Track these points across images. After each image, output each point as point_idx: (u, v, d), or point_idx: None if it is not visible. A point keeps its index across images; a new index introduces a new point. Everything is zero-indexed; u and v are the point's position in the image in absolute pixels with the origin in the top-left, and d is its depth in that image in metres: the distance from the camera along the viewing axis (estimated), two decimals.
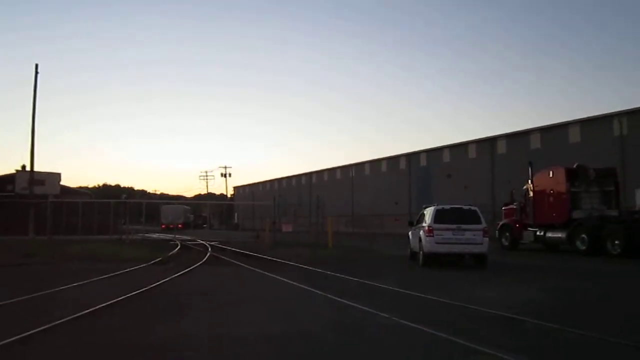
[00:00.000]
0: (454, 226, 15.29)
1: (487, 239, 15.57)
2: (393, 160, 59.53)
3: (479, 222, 15.50)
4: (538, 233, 22.96)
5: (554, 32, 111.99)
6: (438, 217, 15.59)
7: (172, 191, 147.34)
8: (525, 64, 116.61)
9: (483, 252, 15.46)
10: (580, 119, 39.22)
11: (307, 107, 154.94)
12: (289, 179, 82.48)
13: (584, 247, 20.46)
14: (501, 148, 45.34)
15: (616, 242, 19.27)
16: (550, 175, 23.26)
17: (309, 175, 76.10)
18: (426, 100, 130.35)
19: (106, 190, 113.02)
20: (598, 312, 8.76)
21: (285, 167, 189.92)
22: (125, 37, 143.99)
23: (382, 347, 6.12)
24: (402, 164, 57.72)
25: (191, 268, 15.06)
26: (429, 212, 16.21)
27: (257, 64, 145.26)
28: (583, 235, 20.65)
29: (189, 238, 35.61)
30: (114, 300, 8.65)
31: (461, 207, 16.44)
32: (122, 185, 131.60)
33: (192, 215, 79.55)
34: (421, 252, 16.05)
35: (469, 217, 15.61)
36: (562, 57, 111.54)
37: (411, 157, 56.49)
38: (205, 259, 18.42)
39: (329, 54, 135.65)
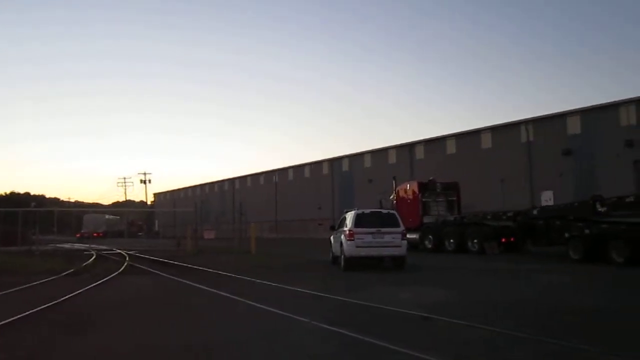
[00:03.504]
0: (373, 230, 15.64)
1: (405, 241, 16.06)
2: (316, 165, 60.13)
3: (398, 226, 15.95)
4: None
5: (465, 41, 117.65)
6: (358, 221, 15.89)
7: (88, 199, 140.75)
8: (440, 72, 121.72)
9: (402, 254, 15.92)
10: (491, 125, 41.46)
11: (228, 112, 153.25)
12: (211, 184, 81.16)
13: (430, 246, 25.20)
14: (419, 153, 47.00)
15: (451, 240, 24.22)
16: (408, 187, 27.91)
17: (232, 181, 75.27)
18: (346, 107, 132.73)
19: (14, 199, 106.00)
20: (502, 307, 9.28)
21: (207, 173, 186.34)
22: (26, 30, 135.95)
23: (301, 351, 6.17)
24: (325, 169, 58.42)
25: (106, 279, 14.46)
26: (349, 217, 16.49)
27: (175, 66, 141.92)
28: (430, 236, 25.45)
29: (105, 247, 34.16)
30: (20, 316, 8.15)
31: (380, 211, 16.80)
32: (32, 194, 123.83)
33: (117, 224, 77.17)
34: (342, 256, 16.27)
35: (388, 221, 16.03)
36: (474, 66, 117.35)
37: (334, 163, 57.31)
38: (121, 269, 17.73)
39: (251, 55, 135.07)
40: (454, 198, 27.23)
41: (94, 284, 12.99)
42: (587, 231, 17.68)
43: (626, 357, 5.64)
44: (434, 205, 26.92)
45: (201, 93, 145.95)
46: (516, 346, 6.19)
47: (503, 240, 22.59)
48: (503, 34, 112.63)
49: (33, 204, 48.88)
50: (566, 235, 18.49)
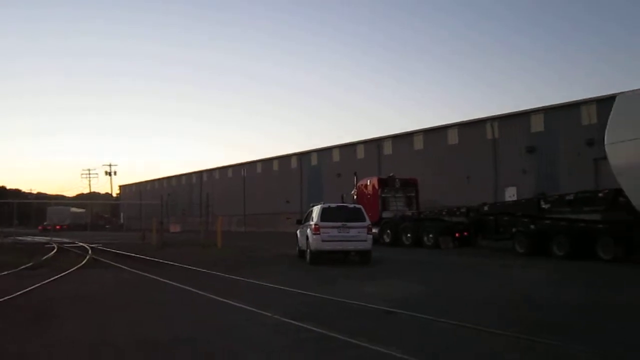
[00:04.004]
0: (339, 224, 15.68)
1: (370, 236, 16.15)
2: (285, 159, 59.90)
3: (363, 220, 16.03)
4: None
5: (434, 39, 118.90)
6: (324, 215, 15.90)
7: (50, 190, 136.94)
8: (409, 69, 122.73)
9: (367, 248, 16.01)
10: (458, 122, 41.90)
11: (196, 105, 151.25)
12: (178, 177, 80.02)
13: (388, 240, 25.71)
14: (387, 149, 47.27)
15: (408, 235, 24.89)
16: (368, 183, 28.45)
17: (199, 174, 74.38)
18: (315, 101, 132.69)
19: None
20: (464, 301, 9.43)
21: (175, 166, 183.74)
22: None
23: (259, 346, 6.14)
24: (294, 163, 58.26)
25: (66, 273, 14.12)
26: (315, 211, 16.50)
27: (142, 60, 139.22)
28: (388, 231, 25.99)
29: (68, 240, 33.37)
30: None
31: (346, 206, 16.83)
32: None
33: (82, 216, 75.76)
34: (308, 250, 16.29)
35: (354, 215, 16.09)
36: (442, 64, 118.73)
37: (302, 157, 57.19)
38: (83, 263, 17.36)
39: (220, 50, 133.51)
40: (413, 194, 28.26)
41: (52, 278, 12.66)
42: (532, 227, 18.72)
43: (578, 347, 5.79)
44: (393, 201, 27.79)
45: (169, 86, 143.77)
46: (476, 339, 6.30)
47: (457, 235, 23.52)
48: (470, 34, 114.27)
49: None
50: (513, 230, 19.48)
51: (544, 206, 18.70)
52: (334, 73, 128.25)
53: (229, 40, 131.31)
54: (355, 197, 28.44)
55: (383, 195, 27.46)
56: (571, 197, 18.12)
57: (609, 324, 7.26)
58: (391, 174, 29.15)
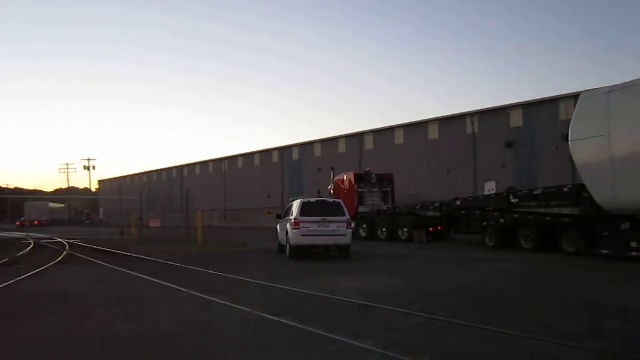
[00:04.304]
0: (319, 218, 15.71)
1: (350, 230, 16.21)
2: (266, 153, 59.72)
3: (343, 214, 16.08)
4: None
5: (413, 34, 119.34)
6: (304, 209, 15.92)
7: (27, 185, 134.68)
8: (386, 64, 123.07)
9: (347, 243, 16.08)
10: (438, 117, 42.18)
11: (177, 99, 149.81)
12: (159, 172, 79.25)
13: (364, 234, 26.03)
14: (368, 143, 47.41)
15: (383, 229, 25.51)
16: (345, 178, 28.85)
17: (180, 168, 73.78)
18: (298, 95, 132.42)
19: None
20: (438, 294, 9.54)
21: (155, 160, 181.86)
22: None
23: (238, 341, 6.14)
24: (275, 158, 58.11)
25: (42, 268, 13.93)
26: (295, 205, 16.50)
27: (123, 51, 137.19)
28: (364, 225, 26.33)
29: (45, 236, 32.90)
30: None
31: (326, 200, 16.87)
32: None
33: (61, 212, 74.90)
34: (288, 245, 16.30)
35: (334, 210, 16.13)
36: (422, 59, 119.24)
37: (284, 151, 57.08)
38: (60, 258, 17.13)
39: (202, 41, 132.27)
40: (388, 189, 28.64)
41: (27, 275, 12.48)
42: (501, 220, 19.40)
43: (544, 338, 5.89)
44: (369, 196, 28.18)
45: (148, 79, 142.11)
46: (449, 332, 6.38)
47: (430, 229, 24.18)
48: (449, 28, 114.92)
49: None
50: (484, 224, 20.15)
51: (513, 200, 19.13)
52: (315, 68, 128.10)
53: (210, 30, 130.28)
54: (332, 191, 28.63)
55: (359, 190, 27.83)
56: (539, 191, 18.65)
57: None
58: (367, 169, 29.52)
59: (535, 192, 18.81)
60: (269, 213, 51.79)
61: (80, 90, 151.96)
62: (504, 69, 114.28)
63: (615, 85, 14.90)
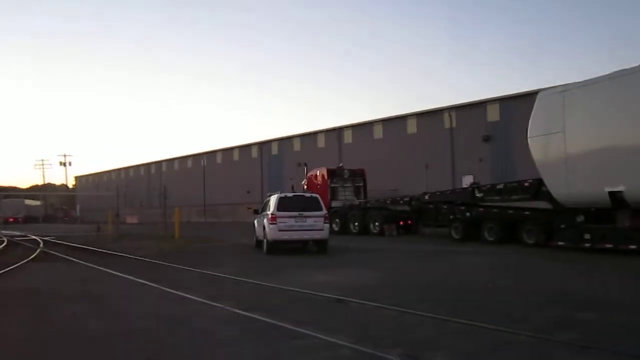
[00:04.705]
0: (296, 213, 15.66)
1: (327, 225, 16.19)
2: (245, 148, 59.45)
3: (320, 209, 16.05)
4: None
5: (391, 29, 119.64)
6: (281, 204, 15.85)
7: (2, 182, 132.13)
8: (364, 58, 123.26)
9: (324, 237, 16.05)
10: (417, 112, 42.41)
11: (154, 94, 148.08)
12: (137, 167, 78.36)
13: (337, 229, 25.96)
14: (348, 138, 47.49)
15: (355, 223, 25.99)
16: (318, 173, 29.17)
17: (158, 164, 73.05)
18: (277, 89, 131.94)
19: None
20: (409, 287, 9.58)
21: (133, 156, 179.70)
22: None
23: (208, 337, 6.08)
24: (255, 153, 57.89)
25: (13, 267, 13.65)
26: (272, 200, 16.42)
27: (101, 44, 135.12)
28: (337, 220, 26.33)
29: (19, 233, 32.30)
30: None
31: (303, 195, 16.83)
32: None
33: (38, 209, 73.74)
34: (265, 240, 16.23)
35: (311, 205, 16.09)
36: (400, 54, 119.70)
37: (263, 146, 56.87)
38: (33, 256, 16.83)
39: (180, 35, 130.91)
40: (361, 184, 29.09)
41: None
42: (467, 214, 20.06)
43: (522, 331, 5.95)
44: (341, 191, 28.61)
45: (125, 73, 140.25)
46: (422, 325, 6.40)
47: (401, 223, 24.72)
48: (426, 22, 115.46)
49: None
50: (451, 217, 20.86)
51: (477, 195, 19.75)
52: (294, 62, 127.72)
53: (188, 24, 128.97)
54: (305, 187, 28.85)
55: (332, 185, 28.23)
56: (501, 186, 19.27)
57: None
58: (340, 165, 29.85)
59: (498, 186, 19.40)
60: (249, 208, 51.45)
61: (55, 84, 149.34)
62: (480, 65, 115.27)
63: (569, 84, 15.70)
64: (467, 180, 36.63)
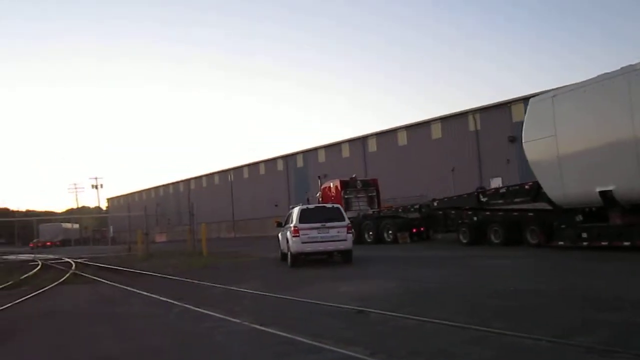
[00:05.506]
0: (318, 225, 15.55)
1: (351, 235, 16.05)
2: (271, 162, 59.74)
3: (342, 219, 15.90)
4: None
5: (410, 34, 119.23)
6: (303, 216, 15.77)
7: (40, 207, 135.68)
8: (388, 66, 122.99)
9: (348, 248, 15.89)
10: (441, 116, 41.98)
11: (181, 111, 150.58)
12: (166, 187, 79.56)
13: (353, 239, 26.32)
14: (372, 146, 47.28)
15: (370, 233, 26.20)
16: (332, 185, 29.64)
17: (187, 182, 74.01)
18: (299, 102, 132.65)
19: None
20: (438, 297, 9.36)
21: (163, 175, 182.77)
22: None
23: (222, 353, 6.03)
24: (280, 166, 58.12)
25: (44, 290, 13.90)
26: (294, 213, 16.37)
27: (128, 65, 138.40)
28: (352, 230, 25.53)
29: (53, 257, 33.00)
30: None
31: (324, 206, 16.72)
32: None
33: (74, 232, 75.81)
34: (289, 253, 16.17)
35: (333, 215, 15.95)
36: (423, 58, 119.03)
37: (288, 159, 57.06)
38: (64, 279, 17.11)
39: (207, 52, 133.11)
40: (374, 194, 29.43)
41: (28, 296, 12.44)
42: (475, 219, 20.68)
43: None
44: (355, 201, 28.95)
45: (152, 94, 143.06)
46: (443, 334, 6.22)
47: (414, 230, 25.23)
48: (446, 25, 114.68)
49: None
50: (459, 222, 21.39)
51: (482, 199, 20.06)
52: (317, 74, 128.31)
53: (212, 45, 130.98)
54: (320, 199, 29.26)
55: (346, 196, 28.58)
56: (504, 190, 19.85)
57: None
58: (353, 176, 30.27)
59: (501, 190, 19.97)
60: (275, 222, 51.74)
61: (83, 108, 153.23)
62: (504, 65, 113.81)
63: (559, 88, 16.45)
64: (495, 183, 36.01)
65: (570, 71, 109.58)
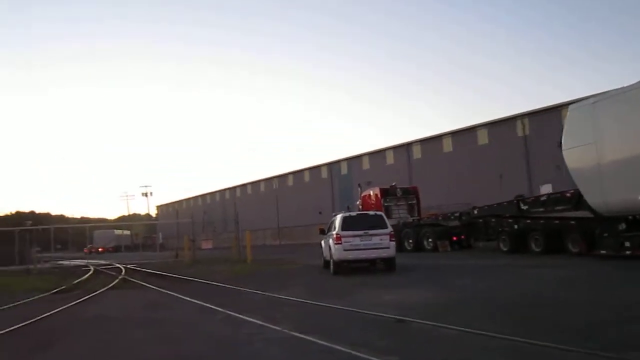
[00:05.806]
0: (361, 232, 15.46)
1: (393, 242, 15.88)
2: (315, 170, 60.02)
3: (385, 227, 15.77)
4: None
5: (457, 38, 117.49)
6: (345, 224, 15.73)
7: (92, 214, 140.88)
8: (434, 71, 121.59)
9: (391, 255, 15.74)
10: (487, 121, 41.18)
11: (225, 121, 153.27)
12: (212, 194, 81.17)
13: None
14: (417, 153, 46.80)
15: (410, 241, 26.31)
16: (371, 193, 29.71)
17: (232, 189, 75.22)
18: (345, 109, 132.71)
19: (18, 218, 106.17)
20: (480, 307, 9.12)
21: (211, 183, 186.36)
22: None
23: None
24: (324, 173, 58.29)
25: (94, 294, 14.36)
26: (337, 220, 16.35)
27: (176, 76, 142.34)
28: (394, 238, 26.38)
29: (105, 262, 34.11)
30: None
31: (367, 213, 16.61)
32: (37, 212, 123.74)
33: (126, 238, 78.55)
34: (332, 260, 16.14)
35: (376, 222, 15.85)
36: (468, 63, 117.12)
37: (332, 166, 57.18)
38: (113, 284, 17.65)
39: (248, 59, 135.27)
40: (414, 201, 29.51)
41: (78, 301, 12.87)
42: (515, 227, 20.49)
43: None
44: (395, 209, 28.98)
45: (199, 102, 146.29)
46: (485, 345, 6.04)
47: (454, 238, 25.23)
48: (495, 30, 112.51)
49: (29, 222, 48.89)
50: (499, 230, 21.33)
51: (523, 207, 20.15)
52: (360, 81, 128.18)
53: (258, 55, 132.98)
54: (360, 207, 29.29)
55: (386, 204, 28.53)
56: (545, 198, 19.88)
57: None
58: (393, 184, 30.31)
59: (542, 198, 19.96)
60: (319, 229, 51.85)
61: (133, 119, 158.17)
62: (552, 69, 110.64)
63: (599, 94, 16.25)
64: (545, 189, 34.95)
65: (619, 78, 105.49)
